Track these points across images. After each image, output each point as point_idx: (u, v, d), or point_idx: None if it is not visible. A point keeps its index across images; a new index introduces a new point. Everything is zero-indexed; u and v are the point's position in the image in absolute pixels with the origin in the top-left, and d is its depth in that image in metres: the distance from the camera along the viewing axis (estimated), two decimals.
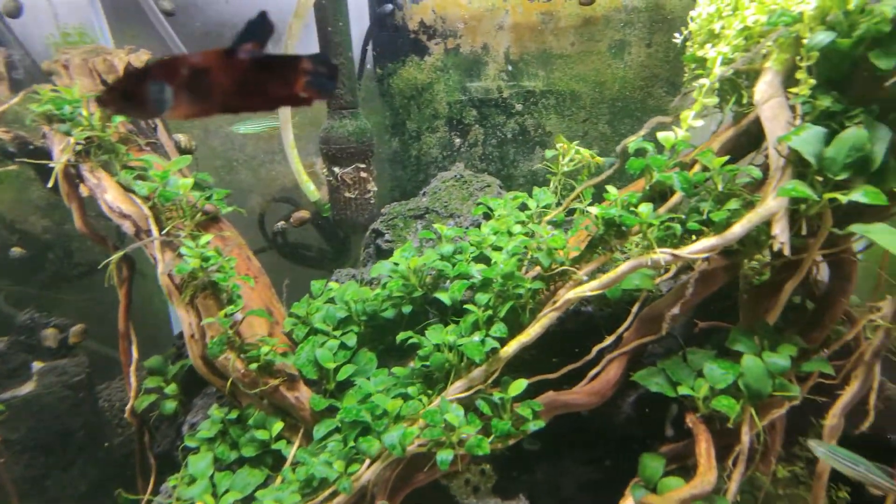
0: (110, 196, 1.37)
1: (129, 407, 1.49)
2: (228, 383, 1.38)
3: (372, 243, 1.90)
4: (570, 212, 1.68)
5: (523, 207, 1.77)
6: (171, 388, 1.53)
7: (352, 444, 1.35)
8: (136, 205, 1.39)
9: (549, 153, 1.83)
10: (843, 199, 0.96)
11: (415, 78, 2.20)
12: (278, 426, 1.43)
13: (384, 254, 1.86)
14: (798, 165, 1.03)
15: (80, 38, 1.94)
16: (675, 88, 2.20)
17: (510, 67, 2.21)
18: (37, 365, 1.57)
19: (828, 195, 0.98)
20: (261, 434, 1.41)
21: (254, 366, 1.41)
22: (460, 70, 2.22)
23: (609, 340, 1.41)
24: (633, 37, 2.15)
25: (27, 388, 1.51)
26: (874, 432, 1.17)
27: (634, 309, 1.41)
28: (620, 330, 1.40)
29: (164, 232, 1.35)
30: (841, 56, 0.97)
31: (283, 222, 2.31)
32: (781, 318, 1.32)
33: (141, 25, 2.01)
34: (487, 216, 1.81)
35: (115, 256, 1.35)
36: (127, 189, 1.40)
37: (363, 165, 1.89)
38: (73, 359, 1.69)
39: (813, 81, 1.01)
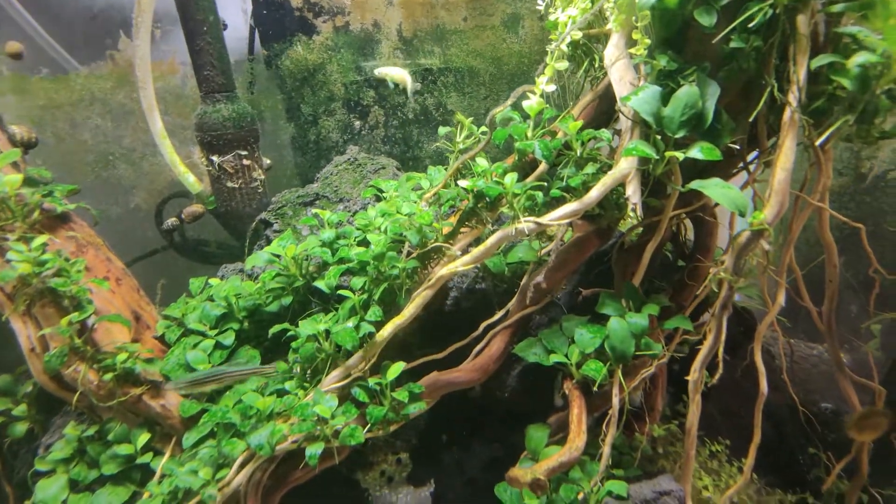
0: None
1: None
2: (76, 397, 1.28)
3: (262, 233, 1.82)
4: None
5: (418, 188, 1.74)
6: (21, 409, 1.42)
7: (226, 447, 1.29)
8: None
9: (442, 130, 1.81)
10: (680, 156, 0.98)
11: (305, 59, 2.12)
12: (144, 438, 1.34)
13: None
14: (643, 126, 1.04)
15: None
16: None
17: (403, 46, 2.17)
18: None
19: (668, 153, 0.99)
20: (124, 449, 1.32)
21: (109, 376, 1.31)
22: (352, 49, 2.16)
23: (498, 315, 1.41)
24: (524, 9, 2.15)
25: None
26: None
27: (523, 282, 1.41)
28: (509, 304, 1.41)
29: None
30: (671, 15, 0.98)
31: (174, 219, 2.18)
32: (661, 280, 1.36)
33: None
34: (379, 199, 1.77)
35: None
36: None
37: (244, 152, 1.81)
38: None
39: (648, 42, 1.02)
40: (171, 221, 2.18)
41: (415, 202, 1.65)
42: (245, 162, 1.82)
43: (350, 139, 2.28)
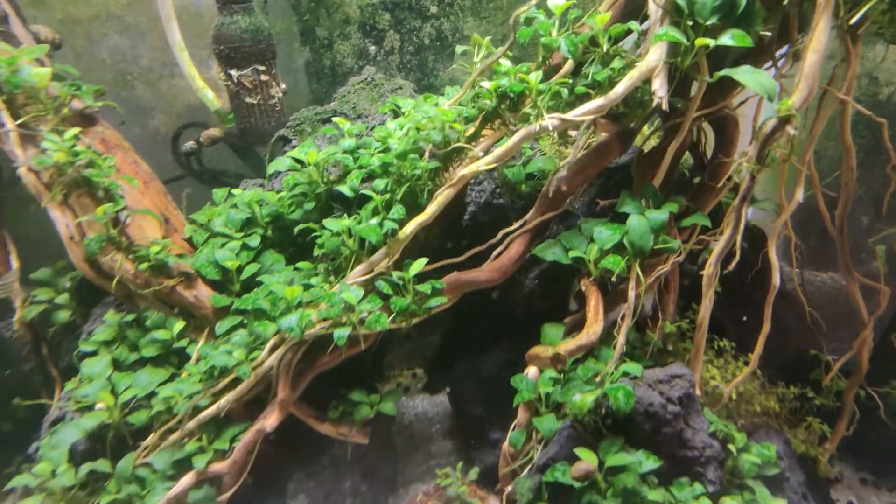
0: None
1: (17, 317, 1.42)
2: (115, 284, 1.33)
3: (281, 150, 1.83)
4: None
5: (430, 110, 1.73)
6: (63, 298, 1.47)
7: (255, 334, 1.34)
8: None
9: (459, 49, 1.79)
10: (711, 42, 0.98)
11: None
12: (179, 326, 1.39)
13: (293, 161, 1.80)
14: (674, 14, 1.03)
15: None
16: None
17: None
18: None
19: (699, 41, 0.99)
20: (161, 334, 1.38)
21: (144, 266, 1.36)
22: None
23: (516, 225, 1.43)
24: None
25: None
26: None
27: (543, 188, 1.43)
28: (528, 216, 1.42)
29: (18, 123, 1.24)
30: None
31: (192, 143, 2.19)
32: (675, 189, 1.37)
33: None
34: (396, 115, 1.76)
35: None
36: None
37: (262, 68, 1.80)
38: None
39: None
40: (189, 144, 2.18)
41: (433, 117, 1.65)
42: (263, 78, 1.81)
43: (365, 65, 2.25)
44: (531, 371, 1.34)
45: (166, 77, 2.16)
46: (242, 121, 1.87)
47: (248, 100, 1.81)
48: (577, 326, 1.36)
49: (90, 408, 1.31)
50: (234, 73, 1.76)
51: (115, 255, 1.34)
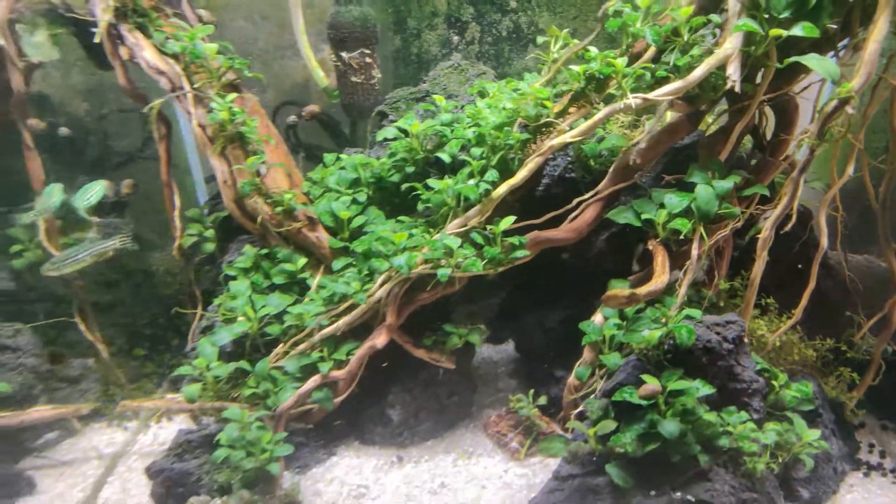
0: (147, 54, 1.49)
1: (176, 245, 1.67)
2: (259, 220, 1.56)
3: (378, 124, 2.03)
4: None
5: (516, 90, 1.89)
6: (210, 233, 1.72)
7: (366, 271, 1.55)
8: (170, 64, 1.50)
9: (539, 39, 1.94)
10: (784, 33, 1.11)
11: None
12: (302, 261, 1.62)
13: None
14: (751, 8, 1.16)
15: None
16: None
17: None
18: (96, 219, 1.73)
19: (773, 31, 1.12)
20: (289, 266, 1.60)
21: (279, 209, 1.58)
22: None
23: (590, 194, 1.58)
24: None
25: (88, 234, 1.68)
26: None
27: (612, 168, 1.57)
28: (599, 186, 1.57)
29: (194, 87, 1.47)
30: None
31: (294, 116, 2.41)
32: (733, 168, 1.50)
33: None
34: (482, 96, 1.94)
35: (158, 103, 1.48)
36: (161, 50, 1.51)
37: (368, 51, 2.00)
38: (123, 219, 1.86)
39: None
40: (292, 118, 2.41)
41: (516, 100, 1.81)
42: (367, 60, 2.01)
43: (448, 53, 2.42)
44: (597, 318, 1.50)
45: (278, 58, 2.39)
46: (346, 97, 2.08)
47: (353, 79, 2.02)
48: (640, 283, 1.51)
49: (234, 319, 1.55)
50: (344, 55, 1.96)
51: (257, 199, 1.57)
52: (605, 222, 1.56)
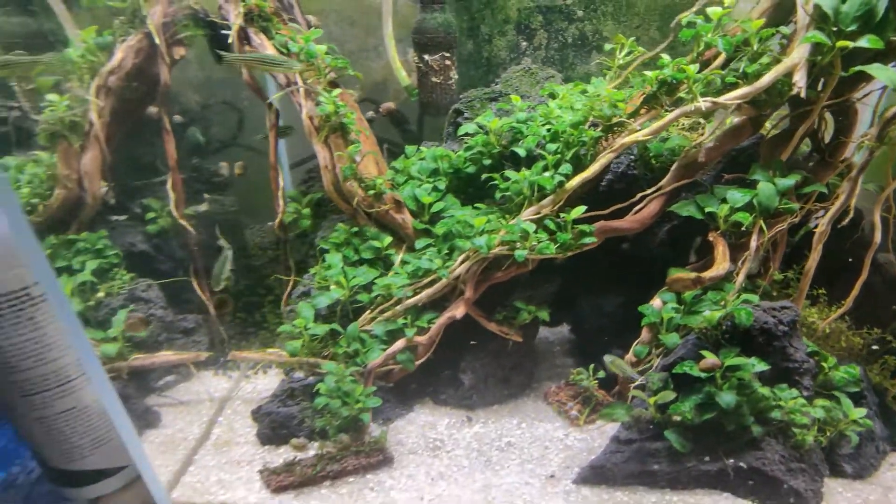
0: (270, 53, 1.68)
1: (277, 221, 1.87)
2: (355, 202, 1.73)
3: (453, 121, 2.18)
4: None
5: (583, 93, 2.01)
6: (306, 212, 1.90)
7: (445, 251, 1.70)
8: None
9: (606, 47, 2.06)
10: (850, 44, 1.19)
11: None
12: (387, 239, 1.78)
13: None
14: (819, 21, 1.25)
15: None
16: None
17: None
18: (206, 196, 1.95)
19: (840, 43, 1.20)
20: (376, 243, 1.77)
21: (371, 192, 1.75)
22: None
23: (652, 190, 1.68)
24: None
25: (202, 207, 1.90)
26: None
27: (674, 166, 1.67)
28: (662, 182, 1.67)
29: (305, 83, 1.66)
30: None
31: (371, 112, 2.60)
32: (791, 169, 1.57)
33: None
34: (552, 97, 2.06)
35: (277, 95, 1.67)
36: (279, 50, 1.71)
37: (448, 54, 2.15)
38: (228, 197, 2.08)
39: None
40: (370, 114, 2.59)
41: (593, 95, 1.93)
42: (447, 62, 2.16)
43: (515, 58, 2.55)
44: (656, 302, 1.61)
45: (361, 59, 2.57)
46: (425, 96, 2.24)
47: (433, 79, 2.17)
48: (699, 271, 1.61)
49: (327, 287, 1.73)
50: (427, 57, 2.12)
51: (353, 183, 1.74)
52: (666, 215, 1.67)
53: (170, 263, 1.89)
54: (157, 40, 1.59)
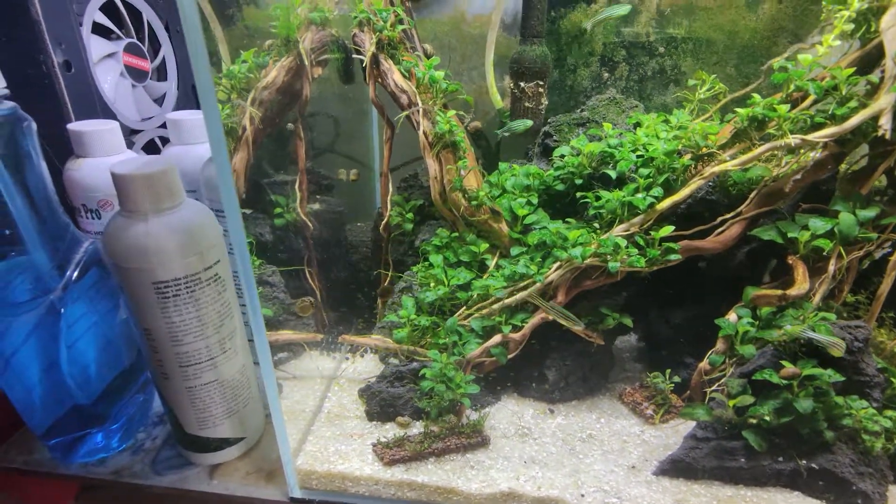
0: (396, 77, 1.95)
1: (384, 223, 2.13)
2: (461, 211, 1.97)
3: (542, 142, 2.42)
4: None
5: (666, 122, 2.21)
6: (409, 216, 2.16)
7: (538, 259, 1.92)
8: (410, 85, 1.97)
9: (689, 82, 2.26)
10: None
11: (580, 21, 2.64)
12: (484, 246, 2.01)
13: (550, 150, 2.37)
14: None
15: None
16: (797, 39, 2.52)
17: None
18: (318, 196, 2.24)
19: None
20: (474, 248, 2.00)
21: (474, 203, 1.99)
22: (618, 17, 2.64)
23: (731, 214, 1.86)
24: None
25: (316, 206, 2.19)
26: None
27: (752, 195, 1.85)
28: (741, 207, 1.85)
29: (433, 104, 1.92)
30: None
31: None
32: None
33: None
34: (636, 127, 2.27)
35: (403, 114, 1.94)
36: (403, 74, 1.98)
37: (541, 82, 2.39)
38: (334, 198, 2.36)
39: None
40: None
41: (668, 131, 2.13)
42: (539, 90, 2.41)
43: (597, 87, 2.78)
44: (732, 316, 1.77)
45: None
46: (517, 118, 2.48)
47: (526, 104, 2.42)
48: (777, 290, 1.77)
49: (428, 284, 1.97)
50: (522, 84, 2.37)
51: (457, 194, 1.99)
52: (745, 238, 1.84)
53: (288, 253, 2.17)
54: (305, 62, 1.88)
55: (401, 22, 2.00)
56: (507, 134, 2.29)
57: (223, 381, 1.59)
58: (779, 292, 1.49)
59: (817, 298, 1.58)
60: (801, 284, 1.55)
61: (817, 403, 1.44)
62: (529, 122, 2.30)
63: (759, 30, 2.58)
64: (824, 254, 1.57)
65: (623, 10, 2.21)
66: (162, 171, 1.37)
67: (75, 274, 1.67)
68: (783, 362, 1.50)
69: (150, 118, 2.36)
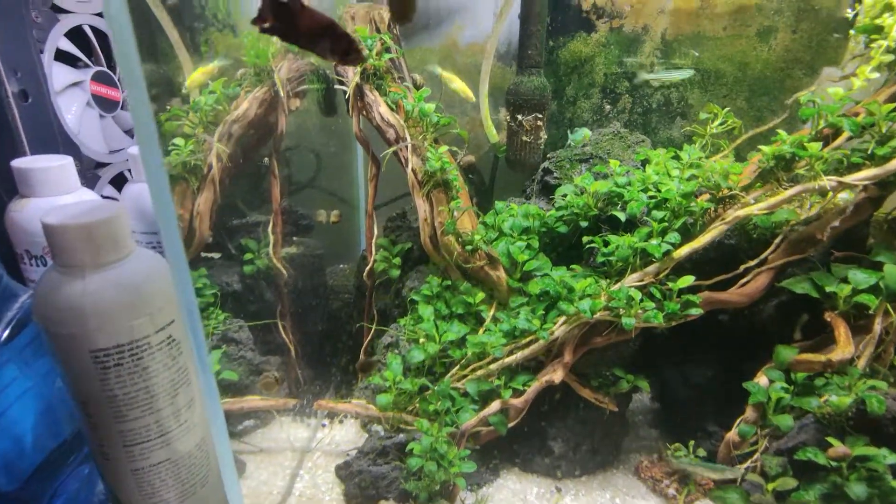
0: (382, 110, 1.80)
1: (368, 269, 1.94)
2: (454, 257, 1.79)
3: (541, 179, 2.26)
4: None
5: (676, 158, 2.07)
6: (396, 261, 1.97)
7: (541, 311, 1.73)
8: (398, 118, 1.81)
9: (701, 116, 2.14)
10: None
11: (580, 51, 2.53)
12: (480, 296, 1.82)
13: (551, 188, 2.22)
14: None
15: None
16: (813, 71, 2.42)
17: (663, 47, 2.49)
18: (295, 238, 2.05)
19: None
20: (468, 298, 1.81)
21: (468, 247, 1.81)
22: (620, 46, 2.53)
23: (755, 262, 1.70)
24: (781, 23, 2.38)
25: (292, 249, 2.00)
26: None
27: (777, 240, 1.69)
28: (766, 253, 1.69)
29: (412, 140, 1.77)
30: None
31: None
32: None
33: None
34: (644, 164, 2.13)
35: (390, 150, 1.78)
36: (389, 106, 1.83)
37: (540, 115, 2.26)
38: (313, 240, 2.17)
39: None
40: None
41: (680, 168, 1.98)
42: (538, 123, 2.27)
43: (598, 120, 2.65)
44: (762, 379, 1.59)
45: (448, 115, 2.71)
46: (513, 153, 2.34)
47: (524, 138, 2.27)
48: (809, 351, 1.59)
49: (417, 340, 1.77)
50: (520, 117, 2.23)
51: (451, 238, 1.81)
52: (773, 290, 1.67)
53: (259, 304, 1.97)
54: (281, 93, 1.73)
55: (388, 50, 1.86)
56: (655, 81, 2.02)
57: (177, 459, 1.36)
58: (823, 359, 1.31)
59: (863, 362, 1.39)
60: (844, 348, 1.37)
61: (872, 489, 1.25)
62: (689, 72, 2.06)
63: (772, 61, 2.49)
64: (869, 311, 1.39)
65: (686, 74, 2.09)
66: (103, 220, 1.18)
67: (6, 333, 1.46)
68: (829, 439, 1.30)
69: (119, 150, 2.19)
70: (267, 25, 0.82)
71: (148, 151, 0.89)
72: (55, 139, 1.91)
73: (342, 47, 0.89)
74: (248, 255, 1.92)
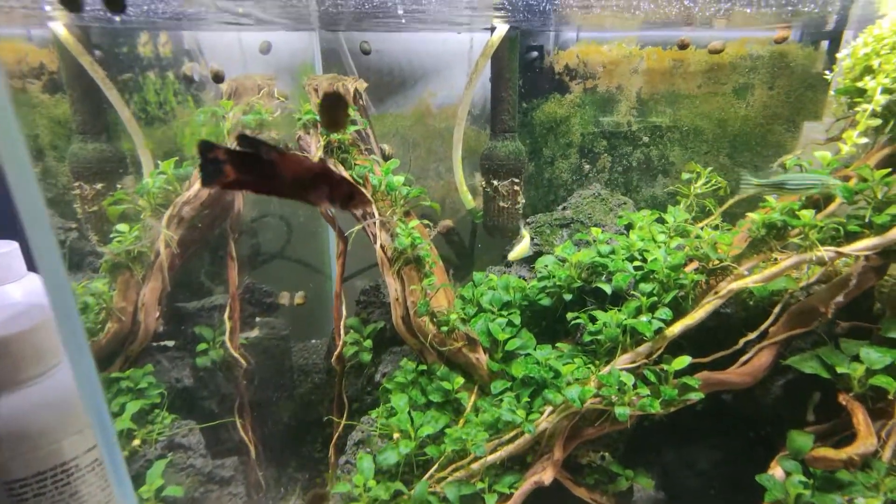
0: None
1: (336, 353, 1.78)
2: (429, 339, 1.65)
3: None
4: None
5: (661, 221, 1.98)
6: (367, 343, 1.82)
7: (526, 399, 1.57)
8: (364, 193, 1.71)
9: (684, 175, 2.07)
10: None
11: (555, 112, 2.50)
12: (459, 381, 1.66)
13: (532, 256, 2.11)
14: None
15: (306, 70, 2.38)
16: (794, 126, 2.39)
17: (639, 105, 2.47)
18: (259, 319, 1.90)
19: None
20: (446, 385, 1.65)
21: (444, 328, 1.67)
22: (595, 106, 2.50)
23: (754, 334, 1.57)
24: (756, 80, 2.37)
25: (254, 332, 1.84)
26: None
27: (776, 309, 1.58)
28: (766, 325, 1.57)
29: (380, 216, 1.66)
30: None
31: (428, 231, 2.61)
32: None
33: (339, 64, 2.44)
34: (628, 228, 2.04)
35: (356, 227, 1.67)
36: (356, 181, 1.73)
37: (517, 180, 2.18)
38: (279, 319, 2.02)
39: None
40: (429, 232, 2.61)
41: (666, 233, 1.89)
42: (515, 188, 2.19)
43: (577, 180, 2.59)
44: (777, 471, 1.42)
45: (423, 180, 2.64)
46: (490, 219, 2.24)
47: (500, 203, 2.19)
48: (823, 437, 1.44)
49: (391, 436, 1.59)
50: (495, 182, 2.15)
51: (424, 319, 1.67)
52: (777, 367, 1.54)
53: (213, 400, 1.79)
54: None
55: (353, 122, 1.78)
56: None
57: None
58: (844, 456, 1.16)
59: (888, 453, 1.24)
60: (865, 439, 1.22)
61: None
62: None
63: (751, 117, 2.47)
64: (889, 396, 1.26)
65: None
66: (23, 331, 1.03)
67: None
68: None
69: None
70: (230, 180, 0.68)
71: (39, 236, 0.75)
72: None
73: (343, 192, 0.73)
74: (202, 346, 1.75)
